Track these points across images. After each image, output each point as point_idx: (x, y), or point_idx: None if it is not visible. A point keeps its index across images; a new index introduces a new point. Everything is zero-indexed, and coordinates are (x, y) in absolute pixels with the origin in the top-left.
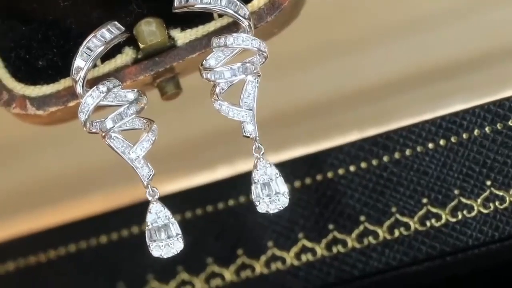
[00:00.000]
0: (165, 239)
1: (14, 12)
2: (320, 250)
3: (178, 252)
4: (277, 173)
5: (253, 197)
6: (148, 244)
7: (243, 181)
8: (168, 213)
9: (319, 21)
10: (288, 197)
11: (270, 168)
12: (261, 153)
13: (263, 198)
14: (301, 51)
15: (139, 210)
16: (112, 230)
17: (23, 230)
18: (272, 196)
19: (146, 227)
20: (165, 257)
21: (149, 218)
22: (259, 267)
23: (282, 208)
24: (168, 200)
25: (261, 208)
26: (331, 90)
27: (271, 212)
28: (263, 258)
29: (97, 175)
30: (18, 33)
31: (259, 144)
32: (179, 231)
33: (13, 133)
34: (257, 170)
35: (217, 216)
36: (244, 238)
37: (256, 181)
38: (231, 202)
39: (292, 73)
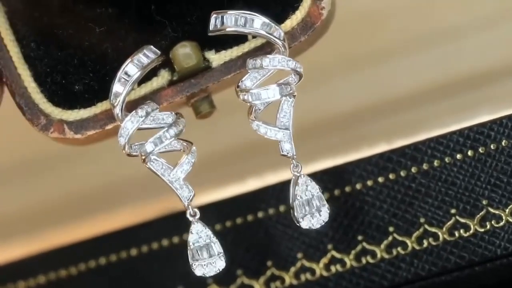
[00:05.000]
0: (207, 258)
1: (50, 37)
2: (349, 261)
3: (220, 270)
4: (317, 188)
5: (295, 214)
6: (190, 263)
7: (272, 193)
8: (209, 232)
9: (346, 33)
10: (329, 211)
11: (311, 184)
12: (299, 170)
13: (306, 215)
14: (329, 63)
15: (168, 222)
16: (142, 243)
17: (54, 243)
18: (314, 211)
19: (188, 247)
20: (207, 275)
21: (191, 238)
22: (288, 279)
23: (323, 223)
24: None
25: (304, 224)
26: (358, 102)
27: (314, 227)
28: (292, 269)
29: (126, 188)
30: (54, 58)
31: (297, 162)
32: (221, 250)
33: (42, 148)
34: (298, 187)
35: (247, 228)
36: (274, 250)
37: (299, 198)
38: (260, 214)
39: (320, 85)
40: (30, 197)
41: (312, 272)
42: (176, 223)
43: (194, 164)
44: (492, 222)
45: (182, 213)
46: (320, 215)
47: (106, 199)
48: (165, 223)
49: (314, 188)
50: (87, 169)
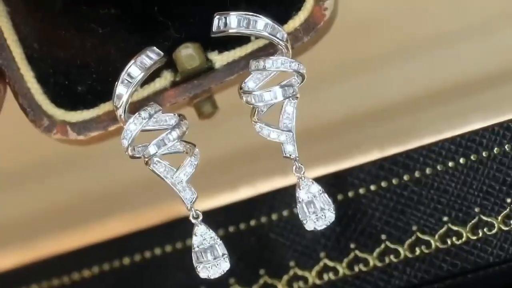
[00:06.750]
0: (212, 260)
1: (52, 38)
2: (342, 269)
3: (225, 272)
4: (320, 190)
5: (299, 216)
6: (195, 266)
7: (264, 202)
8: (213, 234)
9: (339, 40)
10: (334, 212)
11: (313, 185)
12: (302, 172)
13: (309, 216)
14: (321, 70)
15: (161, 231)
16: (134, 251)
17: (47, 252)
18: (318, 213)
19: (193, 250)
20: (212, 277)
21: (195, 240)
22: (281, 287)
23: (329, 224)
24: (191, 221)
25: (309, 226)
26: (351, 109)
27: (318, 228)
28: (285, 277)
29: (118, 197)
30: (57, 59)
31: (300, 164)
32: (225, 251)
33: (31, 158)
34: (301, 190)
35: (239, 237)
36: (266, 258)
37: (300, 200)
38: (253, 223)
39: (311, 92)
40: (21, 206)
41: (305, 280)
42: (169, 231)
43: (197, 166)
44: (485, 230)
45: (175, 222)
46: (325, 216)
47: (99, 208)
48: (157, 232)
49: (316, 190)
50: (78, 178)
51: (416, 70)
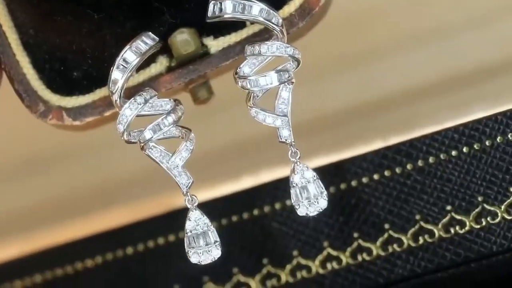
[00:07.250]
0: (204, 246)
1: (48, 24)
2: (345, 258)
3: (216, 259)
4: (314, 176)
5: (292, 201)
6: (186, 250)
7: (267, 191)
8: (207, 220)
9: (340, 31)
10: (327, 199)
11: (308, 171)
12: (298, 157)
13: (302, 202)
14: (323, 61)
15: (164, 221)
16: (138, 241)
17: (50, 242)
18: (311, 199)
19: (185, 234)
20: (203, 263)
21: (188, 225)
22: (284, 276)
23: (321, 210)
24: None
25: (301, 211)
26: (353, 99)
27: (310, 214)
28: (288, 267)
29: (122, 187)
30: (52, 45)
31: (296, 149)
32: (217, 239)
33: (34, 148)
34: (295, 174)
35: (242, 226)
36: (269, 248)
37: (294, 185)
38: (256, 212)
39: (314, 82)
40: (25, 196)
41: (308, 269)
42: (172, 221)
43: (193, 151)
44: (488, 219)
45: (178, 212)
46: (317, 203)
47: (102, 198)
48: (161, 222)
49: (311, 175)
50: (82, 168)
51: (419, 60)
